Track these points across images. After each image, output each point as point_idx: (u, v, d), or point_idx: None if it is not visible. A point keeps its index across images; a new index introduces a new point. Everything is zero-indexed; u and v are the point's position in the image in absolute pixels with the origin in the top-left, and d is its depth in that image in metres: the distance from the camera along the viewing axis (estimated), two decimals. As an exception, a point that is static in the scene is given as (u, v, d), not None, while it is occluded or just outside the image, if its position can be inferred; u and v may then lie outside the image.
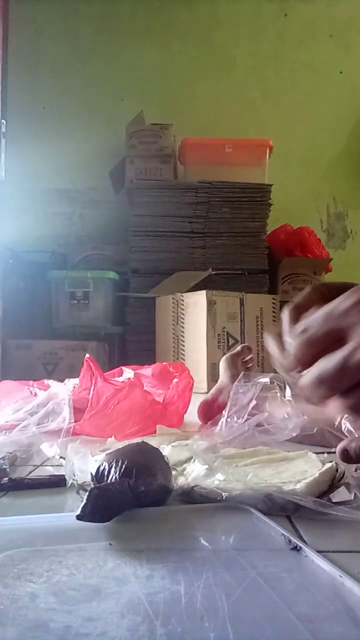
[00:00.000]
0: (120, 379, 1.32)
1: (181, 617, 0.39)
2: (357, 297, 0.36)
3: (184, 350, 2.27)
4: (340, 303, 0.36)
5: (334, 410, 0.38)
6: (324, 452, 0.83)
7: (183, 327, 2.29)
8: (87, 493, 0.57)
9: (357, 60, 3.37)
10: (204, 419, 1.23)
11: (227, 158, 2.74)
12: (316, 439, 0.96)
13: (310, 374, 0.37)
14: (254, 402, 1.03)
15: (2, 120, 2.56)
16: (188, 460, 0.81)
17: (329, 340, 0.37)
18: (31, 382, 1.37)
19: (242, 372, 1.15)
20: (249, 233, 2.69)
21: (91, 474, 0.67)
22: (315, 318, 0.37)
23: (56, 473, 0.80)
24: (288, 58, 3.35)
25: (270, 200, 2.71)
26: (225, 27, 3.33)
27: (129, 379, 1.26)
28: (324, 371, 0.36)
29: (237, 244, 2.68)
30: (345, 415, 0.42)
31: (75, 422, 1.09)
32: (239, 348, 1.35)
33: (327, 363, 0.36)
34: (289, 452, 0.87)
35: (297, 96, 3.34)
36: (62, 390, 1.21)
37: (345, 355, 0.35)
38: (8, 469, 0.81)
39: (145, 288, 2.62)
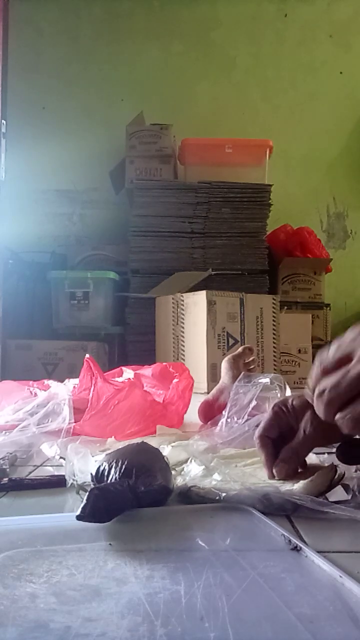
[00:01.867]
0: (120, 379, 1.32)
1: (181, 617, 0.39)
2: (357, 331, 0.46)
3: (184, 351, 2.27)
4: (347, 335, 0.47)
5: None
6: (323, 452, 0.83)
7: (183, 327, 2.29)
8: (87, 493, 0.57)
9: (357, 60, 3.37)
10: (205, 419, 1.23)
11: (227, 158, 2.74)
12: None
13: (315, 391, 0.48)
14: (254, 403, 1.03)
15: (2, 121, 2.56)
16: (188, 460, 0.81)
17: (338, 366, 0.47)
18: (31, 382, 1.37)
19: (243, 373, 1.15)
20: (248, 233, 2.69)
21: (91, 474, 0.67)
22: (329, 351, 0.48)
23: (56, 473, 0.80)
24: (288, 58, 3.36)
25: (270, 201, 2.71)
26: (225, 28, 3.33)
27: (129, 379, 1.26)
28: (323, 387, 0.47)
29: (237, 244, 2.68)
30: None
31: (75, 422, 1.09)
32: (240, 349, 1.35)
33: (327, 380, 0.47)
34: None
35: (297, 96, 3.34)
36: (62, 391, 1.20)
37: (342, 372, 0.45)
38: (8, 469, 0.81)
39: (145, 288, 2.62)
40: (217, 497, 0.65)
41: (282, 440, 0.69)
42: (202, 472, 0.73)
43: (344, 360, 0.47)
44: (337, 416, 0.46)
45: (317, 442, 0.68)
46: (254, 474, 0.73)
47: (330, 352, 0.48)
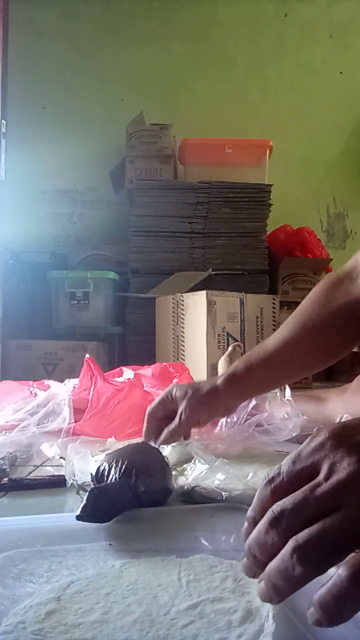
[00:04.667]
0: (120, 379, 1.32)
1: (182, 616, 0.40)
2: (324, 437, 0.35)
3: (184, 350, 2.27)
4: (310, 443, 0.35)
5: None
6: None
7: (183, 327, 2.29)
8: (87, 493, 0.57)
9: (357, 60, 3.37)
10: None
11: (227, 158, 2.74)
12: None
13: (266, 517, 0.34)
14: (253, 403, 1.03)
15: (2, 120, 2.56)
16: (188, 460, 0.81)
17: (296, 482, 0.34)
18: (31, 382, 1.37)
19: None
20: (248, 233, 2.69)
21: (91, 474, 0.67)
22: (282, 464, 0.36)
23: (56, 473, 0.80)
24: (288, 58, 3.36)
25: (270, 201, 2.71)
26: (225, 27, 3.33)
27: (129, 379, 1.26)
28: (280, 509, 0.33)
29: (237, 244, 2.68)
30: (345, 415, 0.44)
31: (75, 422, 1.09)
32: (231, 348, 1.36)
33: (285, 501, 0.33)
34: (287, 452, 0.87)
35: (297, 96, 3.34)
36: (62, 391, 1.20)
37: (314, 484, 0.33)
38: (8, 469, 0.81)
39: (145, 288, 2.62)
40: (220, 497, 0.65)
41: (167, 419, 0.91)
42: (205, 472, 0.73)
43: (306, 472, 0.34)
44: (289, 551, 0.32)
45: (190, 427, 0.91)
46: (256, 474, 0.73)
47: (285, 465, 0.36)
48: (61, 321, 2.65)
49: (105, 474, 0.64)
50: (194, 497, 0.67)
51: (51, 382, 1.32)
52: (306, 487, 0.33)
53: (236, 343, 1.39)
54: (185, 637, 0.37)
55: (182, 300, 2.31)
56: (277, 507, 0.33)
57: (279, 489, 0.35)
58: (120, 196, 3.06)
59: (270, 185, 2.71)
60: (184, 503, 0.67)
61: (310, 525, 0.32)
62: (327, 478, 0.33)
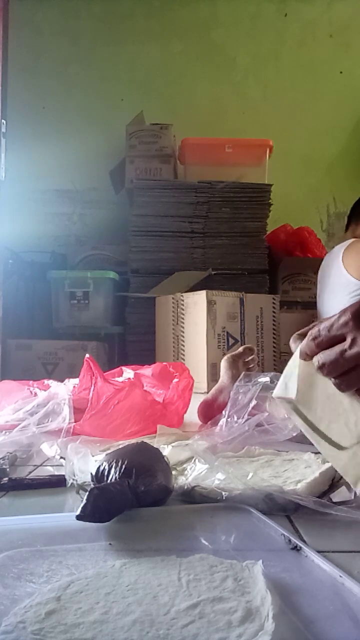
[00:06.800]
0: (120, 379, 1.32)
1: (182, 616, 0.40)
2: (348, 316, 0.53)
3: (184, 350, 2.27)
4: (339, 318, 0.53)
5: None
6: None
7: (183, 327, 2.29)
8: (87, 493, 0.58)
9: (357, 60, 3.37)
10: (204, 418, 1.23)
11: (227, 158, 2.74)
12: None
13: (316, 361, 0.54)
14: (254, 402, 1.03)
15: (2, 120, 2.56)
16: (188, 460, 0.81)
17: (331, 344, 0.54)
18: (31, 382, 1.37)
19: (243, 373, 1.15)
20: (249, 233, 2.69)
21: (91, 474, 0.67)
22: (321, 327, 0.54)
23: (56, 473, 0.81)
24: (288, 58, 3.35)
25: (270, 200, 2.71)
26: (225, 27, 3.33)
27: (129, 379, 1.26)
28: (323, 361, 0.53)
29: (237, 244, 2.68)
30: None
31: (75, 422, 1.09)
32: (240, 349, 1.35)
33: (325, 355, 0.53)
34: (287, 452, 0.87)
35: (297, 96, 3.34)
36: (62, 390, 1.21)
37: (339, 351, 0.52)
38: (8, 469, 0.81)
39: (145, 288, 2.62)
40: (220, 497, 0.65)
41: None
42: (205, 472, 0.73)
43: (337, 339, 0.53)
44: (334, 381, 0.54)
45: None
46: (256, 474, 0.73)
47: (323, 330, 0.54)
48: (61, 321, 2.65)
49: (105, 473, 0.64)
50: (194, 497, 0.67)
51: (51, 382, 1.32)
52: (337, 350, 0.52)
53: (248, 345, 1.38)
54: (185, 637, 0.37)
55: (182, 300, 2.31)
56: (320, 359, 0.54)
57: (320, 344, 0.54)
58: (120, 196, 3.06)
59: (270, 185, 2.71)
60: (184, 503, 0.67)
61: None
62: (350, 347, 0.52)
